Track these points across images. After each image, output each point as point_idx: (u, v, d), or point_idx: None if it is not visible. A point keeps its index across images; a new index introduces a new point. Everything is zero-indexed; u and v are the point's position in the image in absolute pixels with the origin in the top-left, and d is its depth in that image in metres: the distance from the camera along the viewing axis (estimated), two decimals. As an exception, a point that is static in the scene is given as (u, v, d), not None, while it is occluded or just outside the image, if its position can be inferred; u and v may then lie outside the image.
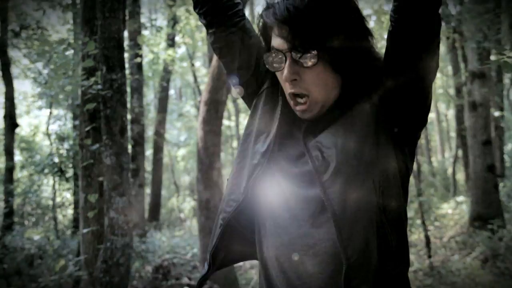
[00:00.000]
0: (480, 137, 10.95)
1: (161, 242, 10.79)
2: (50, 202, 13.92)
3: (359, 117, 1.28)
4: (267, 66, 1.34)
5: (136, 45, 9.27)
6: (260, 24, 1.39)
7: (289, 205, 1.29)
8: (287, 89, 1.32)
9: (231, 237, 1.42)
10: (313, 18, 1.23)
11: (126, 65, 7.63)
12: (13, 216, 12.35)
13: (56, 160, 6.91)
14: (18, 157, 15.69)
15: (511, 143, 23.38)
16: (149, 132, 16.19)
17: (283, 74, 1.28)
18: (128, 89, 9.27)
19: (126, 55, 4.15)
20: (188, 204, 19.07)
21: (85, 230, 4.44)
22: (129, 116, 10.13)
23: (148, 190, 16.28)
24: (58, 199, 12.78)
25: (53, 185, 10.27)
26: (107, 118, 3.73)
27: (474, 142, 10.97)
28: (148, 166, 16.54)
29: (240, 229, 1.43)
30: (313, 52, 1.24)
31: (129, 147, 10.50)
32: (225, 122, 16.19)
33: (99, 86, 3.74)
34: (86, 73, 4.49)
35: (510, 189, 13.67)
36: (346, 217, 1.20)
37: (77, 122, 5.65)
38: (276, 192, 1.31)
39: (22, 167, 15.51)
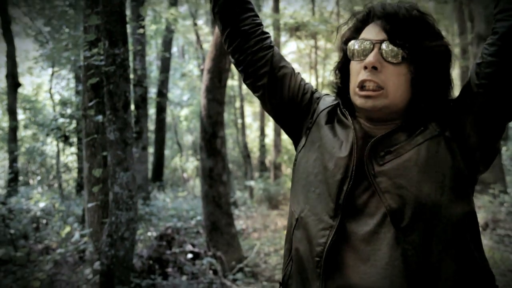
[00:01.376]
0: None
1: (165, 204, 10.91)
2: (54, 161, 14.02)
3: (432, 152, 1.26)
4: (348, 52, 1.36)
5: (138, 17, 9.11)
6: (360, 15, 1.40)
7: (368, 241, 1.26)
8: (360, 77, 1.30)
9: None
10: (415, 23, 1.29)
11: (130, 40, 7.49)
12: (18, 176, 12.48)
13: (61, 121, 6.90)
14: (21, 116, 15.70)
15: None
16: (152, 91, 16.11)
17: (366, 60, 1.29)
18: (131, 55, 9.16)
19: (128, 29, 4.06)
20: (191, 164, 19.18)
21: (90, 205, 4.48)
22: (131, 75, 10.07)
23: (151, 150, 16.34)
24: (62, 159, 12.87)
25: (57, 145, 10.31)
26: (110, 93, 3.71)
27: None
28: (151, 125, 16.55)
29: None
30: (404, 48, 1.27)
31: (132, 107, 10.49)
32: (228, 82, 16.11)
33: (102, 62, 3.70)
34: (88, 44, 4.44)
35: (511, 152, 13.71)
36: (430, 265, 1.19)
37: (80, 88, 5.61)
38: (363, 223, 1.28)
39: (26, 126, 15.56)
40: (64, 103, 6.94)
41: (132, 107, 10.50)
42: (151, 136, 16.42)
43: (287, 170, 16.26)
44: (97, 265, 4.50)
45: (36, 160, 14.19)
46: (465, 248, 1.24)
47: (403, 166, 1.24)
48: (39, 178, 15.94)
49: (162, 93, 14.90)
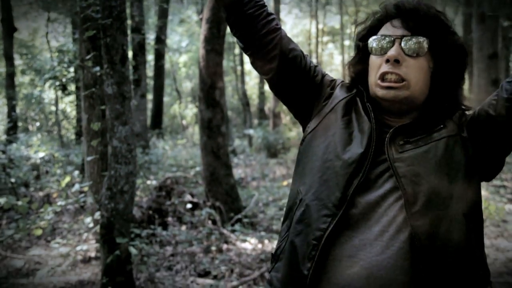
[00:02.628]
0: (487, 50, 10.76)
1: (164, 151, 10.97)
2: (53, 108, 13.99)
3: (450, 149, 1.32)
4: (369, 48, 1.41)
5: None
6: (379, 13, 1.46)
7: (377, 222, 1.29)
8: (382, 69, 1.35)
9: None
10: (434, 20, 1.37)
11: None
12: (17, 123, 12.48)
13: (58, 71, 6.84)
14: (18, 62, 15.53)
15: (517, 52, 23.01)
16: (150, 38, 15.88)
17: (388, 53, 1.34)
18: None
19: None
20: (190, 111, 19.15)
21: (89, 158, 4.50)
22: (129, 22, 9.91)
23: (150, 97, 16.28)
24: (61, 106, 12.84)
25: (55, 95, 10.25)
26: (107, 46, 3.65)
27: (480, 56, 10.79)
28: (149, 72, 16.41)
29: None
30: (424, 43, 1.34)
31: (130, 54, 10.37)
32: (228, 29, 15.84)
33: (99, 15, 3.62)
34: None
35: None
36: (433, 250, 1.23)
37: (77, 35, 5.53)
38: (370, 207, 1.30)
39: (23, 72, 15.41)
40: (61, 51, 6.85)
41: (130, 54, 10.39)
42: (150, 83, 16.30)
43: (286, 118, 16.26)
44: (97, 215, 4.57)
45: (35, 107, 14.14)
46: (467, 243, 1.28)
47: (421, 156, 1.30)
48: (38, 124, 15.95)
49: (160, 40, 14.69)
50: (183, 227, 5.83)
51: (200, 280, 4.48)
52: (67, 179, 5.48)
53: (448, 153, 1.31)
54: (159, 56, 15.25)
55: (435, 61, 1.37)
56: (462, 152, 1.33)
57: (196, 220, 5.86)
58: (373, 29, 1.45)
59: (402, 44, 1.35)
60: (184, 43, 19.24)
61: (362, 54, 1.48)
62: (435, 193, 1.26)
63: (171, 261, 5.01)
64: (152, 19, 16.10)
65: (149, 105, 15.65)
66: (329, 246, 1.30)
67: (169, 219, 5.85)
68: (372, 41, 1.40)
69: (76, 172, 6.79)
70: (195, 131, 16.56)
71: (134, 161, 3.85)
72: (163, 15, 14.92)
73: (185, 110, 19.21)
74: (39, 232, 5.40)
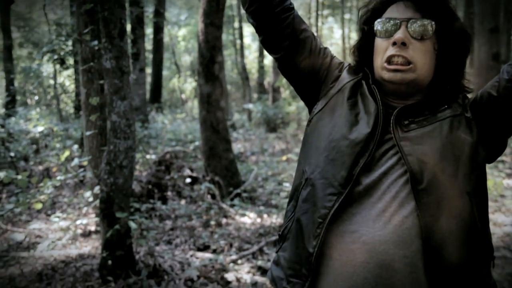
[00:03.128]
0: (488, 24, 10.67)
1: (163, 125, 10.96)
2: (52, 82, 13.92)
3: (454, 128, 1.34)
4: (375, 31, 1.41)
5: None
6: None
7: (382, 198, 1.31)
8: (388, 52, 1.36)
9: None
10: (439, 3, 1.38)
11: None
12: (15, 97, 12.43)
13: (56, 44, 6.78)
14: (15, 34, 15.41)
15: (519, 26, 22.81)
16: (149, 11, 15.72)
17: (395, 36, 1.35)
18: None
19: None
20: (190, 85, 19.07)
21: (88, 133, 4.49)
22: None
23: (149, 71, 16.19)
24: (59, 80, 12.76)
25: (54, 68, 10.18)
26: (105, 20, 3.61)
27: (481, 29, 10.70)
28: (148, 46, 16.29)
29: None
30: (430, 26, 1.35)
31: (128, 27, 10.27)
32: (227, 1, 15.68)
33: (95, -13, 3.57)
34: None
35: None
36: (438, 228, 1.26)
37: (74, 9, 5.47)
38: (375, 187, 1.32)
39: (21, 45, 15.31)
40: (58, 24, 6.78)
41: (129, 27, 10.29)
42: (149, 57, 16.20)
43: (285, 92, 16.21)
44: (97, 189, 4.59)
45: (33, 81, 14.07)
46: (470, 221, 1.30)
47: (426, 135, 1.33)
48: (36, 98, 15.89)
49: (159, 13, 14.54)
50: (183, 202, 5.86)
51: (200, 254, 4.52)
52: (67, 153, 5.48)
53: (453, 132, 1.33)
54: (158, 30, 15.12)
55: (440, 44, 1.39)
56: (467, 131, 1.35)
57: (195, 195, 5.89)
58: (377, 12, 1.45)
59: (409, 27, 1.36)
60: (183, 17, 19.05)
61: (366, 38, 1.48)
62: (440, 171, 1.28)
63: (170, 235, 5.05)
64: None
65: (148, 79, 15.57)
66: (333, 223, 1.32)
67: (169, 193, 5.87)
68: (378, 24, 1.41)
69: (75, 147, 6.79)
70: (194, 105, 16.52)
71: (133, 136, 3.85)
72: (161, -13, 14.76)
73: (184, 84, 19.12)
74: (39, 206, 5.42)
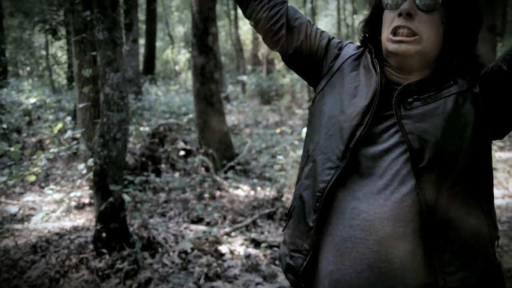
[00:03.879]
0: (484, -4, 10.60)
1: (157, 97, 10.90)
2: (44, 53, 13.75)
3: (459, 105, 1.31)
4: (383, 3, 1.39)
5: None
6: None
7: (382, 174, 1.31)
8: (394, 23, 1.33)
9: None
10: None
11: None
12: (7, 68, 12.27)
13: (47, 15, 6.67)
14: (5, 3, 15.14)
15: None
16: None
17: (401, 6, 1.32)
18: None
19: None
20: (183, 56, 18.91)
21: (81, 105, 4.46)
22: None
23: (142, 42, 16.01)
24: (51, 51, 12.61)
25: (46, 39, 10.04)
26: (97, -10, 3.55)
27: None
28: (141, 16, 16.07)
29: None
30: None
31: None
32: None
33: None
34: None
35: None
36: (440, 205, 1.25)
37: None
38: (373, 161, 1.33)
39: (11, 14, 15.05)
40: (50, -8, 6.67)
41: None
42: (142, 28, 16.00)
43: (279, 64, 16.11)
44: (90, 161, 4.57)
45: (25, 51, 13.90)
46: (474, 199, 1.30)
47: (430, 113, 1.30)
48: (28, 69, 15.72)
49: (152, -18, 14.33)
50: (176, 174, 5.86)
51: (193, 227, 4.55)
52: (59, 125, 5.46)
53: (457, 109, 1.31)
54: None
55: (449, 17, 1.34)
56: (472, 108, 1.32)
57: (189, 167, 5.89)
58: None
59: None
60: (176, -14, 18.78)
61: (376, 11, 1.46)
62: (441, 149, 1.27)
63: (164, 207, 5.06)
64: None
65: (141, 51, 15.41)
66: (333, 198, 1.34)
67: (162, 166, 5.87)
68: None
69: (69, 118, 6.75)
70: (188, 77, 16.41)
71: (127, 108, 3.82)
72: (154, -44, 14.50)
73: (178, 56, 18.94)
74: (32, 178, 5.41)
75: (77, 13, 4.70)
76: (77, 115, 5.03)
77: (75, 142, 4.94)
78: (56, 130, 5.55)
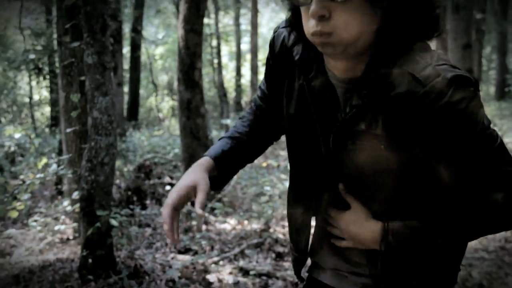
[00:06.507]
0: (461, 40, 10.93)
1: (140, 141, 10.87)
2: (27, 100, 13.75)
3: (395, 111, 1.09)
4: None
5: None
6: None
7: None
8: (311, 28, 1.09)
9: None
10: None
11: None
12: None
13: (33, 56, 6.71)
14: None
15: (490, 46, 23.46)
16: (126, 29, 15.71)
17: (311, 9, 1.06)
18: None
19: None
20: (167, 103, 19.04)
21: (68, 130, 4.44)
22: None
23: (126, 89, 16.10)
24: (35, 97, 12.61)
25: (29, 82, 10.06)
26: (87, 15, 3.60)
27: (454, 46, 10.96)
28: (125, 64, 16.24)
29: None
30: None
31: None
32: (205, 20, 15.77)
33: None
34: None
35: (485, 93, 13.93)
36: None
37: (52, 16, 5.44)
38: None
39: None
40: (36, 33, 6.73)
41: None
42: (126, 76, 16.14)
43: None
44: (75, 195, 4.50)
45: (7, 97, 13.88)
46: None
47: (360, 166, 1.19)
48: (11, 117, 15.65)
49: (136, 30, 14.55)
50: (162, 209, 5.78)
51: (181, 257, 4.46)
52: (44, 160, 5.39)
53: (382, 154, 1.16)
54: (136, 47, 15.11)
55: None
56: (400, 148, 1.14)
57: (175, 202, 5.82)
58: None
59: None
60: (160, 35, 19.08)
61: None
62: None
63: (150, 240, 4.97)
64: (128, 10, 15.92)
65: (125, 98, 15.48)
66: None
67: (148, 201, 5.80)
68: None
69: (53, 155, 6.68)
70: (171, 124, 16.46)
71: (115, 132, 3.81)
72: (139, 5, 14.79)
73: (161, 103, 19.07)
74: (15, 214, 5.29)
75: (65, 45, 4.73)
76: (62, 146, 4.98)
77: (61, 167, 4.85)
78: (40, 165, 5.48)
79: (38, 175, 4.35)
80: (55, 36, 5.17)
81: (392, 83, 1.08)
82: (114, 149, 3.81)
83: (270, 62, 1.39)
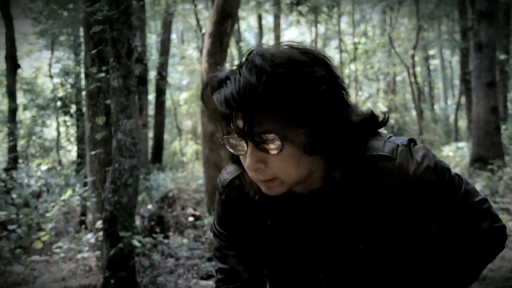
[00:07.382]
0: (485, 78, 10.88)
1: (164, 181, 10.95)
2: (54, 144, 14.06)
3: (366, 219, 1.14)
4: (229, 148, 1.08)
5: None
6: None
7: None
8: (251, 176, 1.09)
9: None
10: (270, 97, 0.99)
11: None
12: (17, 159, 12.47)
13: (61, 94, 6.94)
14: (21, 99, 15.68)
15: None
16: (151, 75, 16.12)
17: (247, 164, 1.06)
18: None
19: None
20: (191, 148, 19.20)
21: (93, 152, 4.52)
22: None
23: (150, 134, 16.35)
24: (62, 140, 12.89)
25: (57, 125, 10.30)
26: (113, 40, 3.73)
27: (478, 84, 10.91)
28: (150, 109, 16.56)
29: None
30: (272, 137, 1.00)
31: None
32: (228, 51, 16.09)
33: (106, 8, 3.71)
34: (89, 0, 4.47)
35: (511, 132, 13.72)
36: None
37: (80, 57, 5.64)
38: None
39: (25, 108, 15.55)
40: (66, 72, 6.96)
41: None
42: (151, 121, 16.44)
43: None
44: (99, 224, 4.53)
45: (36, 143, 14.21)
46: None
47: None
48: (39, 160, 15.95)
49: (161, 76, 14.91)
50: (185, 240, 5.77)
51: (203, 282, 4.42)
52: (69, 192, 5.47)
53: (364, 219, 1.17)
54: (161, 92, 15.44)
55: (302, 142, 1.04)
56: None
57: (197, 233, 5.81)
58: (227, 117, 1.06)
59: (255, 146, 1.03)
60: (184, 81, 19.48)
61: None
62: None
63: (172, 268, 4.94)
64: (153, 57, 16.35)
65: (150, 143, 15.72)
66: None
67: (171, 233, 5.79)
68: (226, 142, 1.08)
69: (78, 185, 6.77)
70: (195, 167, 16.56)
71: (138, 154, 3.88)
72: (164, 51, 15.21)
73: (185, 147, 19.25)
74: (39, 245, 5.34)
75: (91, 76, 4.87)
76: (86, 171, 5.05)
77: (85, 188, 4.90)
78: (66, 195, 5.55)
79: (63, 197, 4.40)
80: (82, 70, 5.32)
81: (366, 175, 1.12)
82: (137, 171, 3.86)
83: (229, 214, 1.30)
